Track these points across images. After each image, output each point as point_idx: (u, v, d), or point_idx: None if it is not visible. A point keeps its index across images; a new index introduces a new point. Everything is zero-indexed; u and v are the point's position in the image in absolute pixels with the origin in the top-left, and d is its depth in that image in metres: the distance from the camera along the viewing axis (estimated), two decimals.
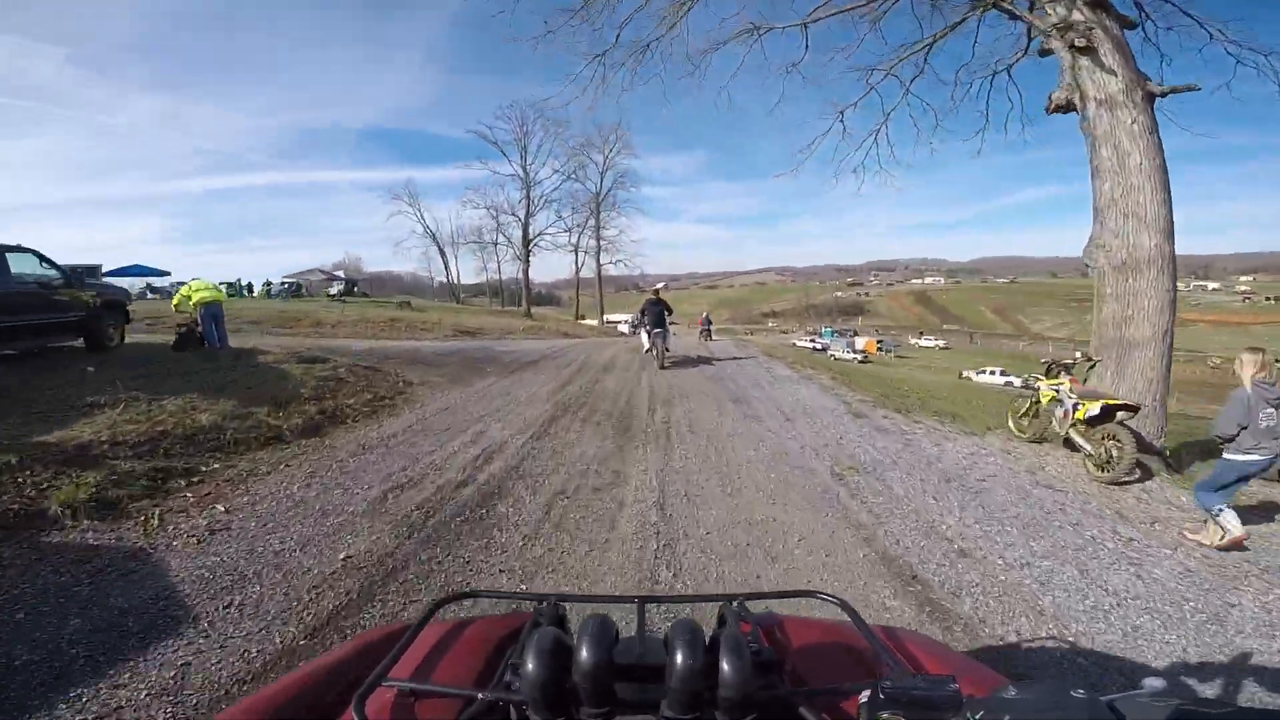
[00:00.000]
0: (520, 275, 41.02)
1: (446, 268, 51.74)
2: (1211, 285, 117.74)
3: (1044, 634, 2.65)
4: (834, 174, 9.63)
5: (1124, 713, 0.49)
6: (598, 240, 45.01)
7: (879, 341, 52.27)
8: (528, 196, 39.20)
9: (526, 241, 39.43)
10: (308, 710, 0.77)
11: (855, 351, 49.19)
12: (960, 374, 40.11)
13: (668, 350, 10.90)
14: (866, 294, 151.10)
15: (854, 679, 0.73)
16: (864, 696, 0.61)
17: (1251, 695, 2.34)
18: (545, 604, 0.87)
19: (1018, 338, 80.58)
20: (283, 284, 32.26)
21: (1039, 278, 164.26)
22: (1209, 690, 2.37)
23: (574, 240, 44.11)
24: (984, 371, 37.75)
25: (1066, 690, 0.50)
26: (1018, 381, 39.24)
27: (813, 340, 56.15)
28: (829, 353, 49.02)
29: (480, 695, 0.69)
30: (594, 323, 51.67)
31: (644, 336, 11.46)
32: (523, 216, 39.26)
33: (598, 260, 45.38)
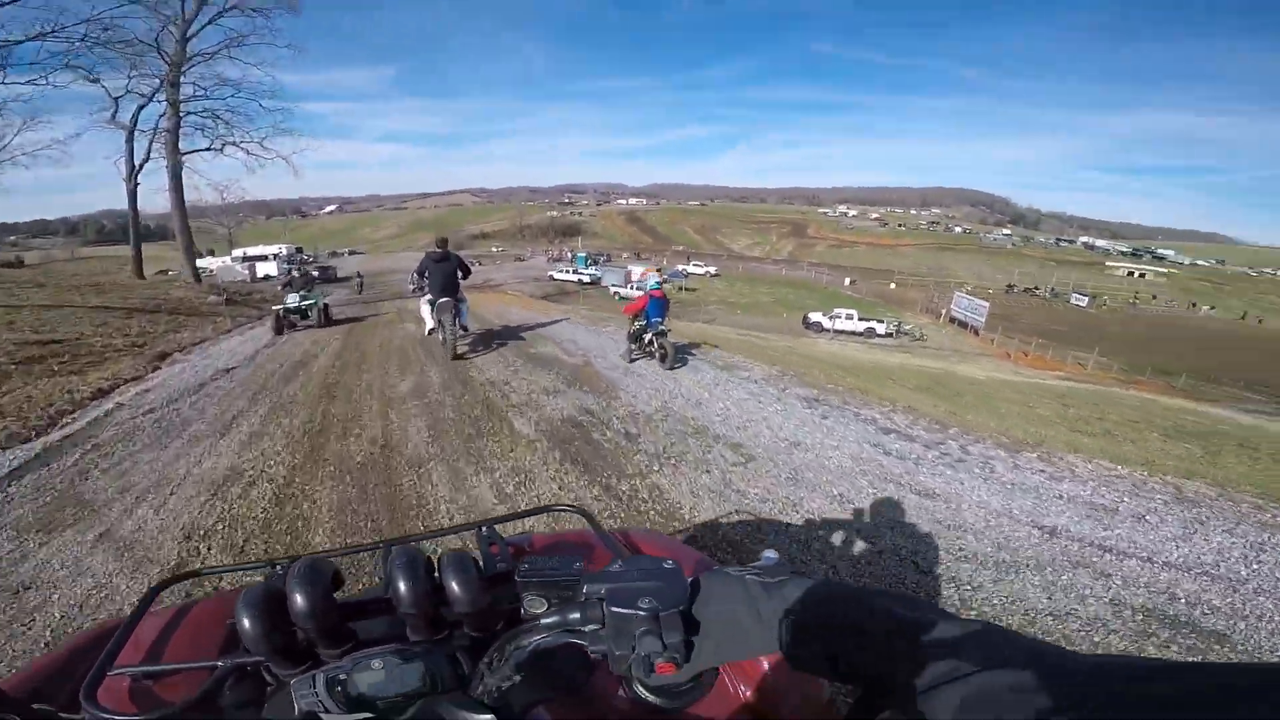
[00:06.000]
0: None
1: None
2: (851, 212, 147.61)
3: None
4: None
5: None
6: (175, 108, 18.47)
7: (658, 268, 39.90)
8: None
9: None
10: (32, 713, 0.66)
11: (638, 285, 35.08)
12: (805, 319, 30.49)
13: (463, 329, 7.53)
14: (579, 214, 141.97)
15: None
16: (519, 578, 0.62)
17: None
18: (278, 567, 0.79)
19: (761, 260, 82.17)
20: None
21: (701, 202, 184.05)
22: None
23: (109, 102, 16.89)
24: (836, 316, 28.21)
25: (660, 561, 0.52)
26: (881, 328, 30.45)
27: (574, 272, 40.50)
28: (610, 289, 34.29)
29: (219, 664, 0.66)
30: (173, 271, 25.23)
31: (424, 310, 7.62)
32: None
33: (174, 147, 19.03)
